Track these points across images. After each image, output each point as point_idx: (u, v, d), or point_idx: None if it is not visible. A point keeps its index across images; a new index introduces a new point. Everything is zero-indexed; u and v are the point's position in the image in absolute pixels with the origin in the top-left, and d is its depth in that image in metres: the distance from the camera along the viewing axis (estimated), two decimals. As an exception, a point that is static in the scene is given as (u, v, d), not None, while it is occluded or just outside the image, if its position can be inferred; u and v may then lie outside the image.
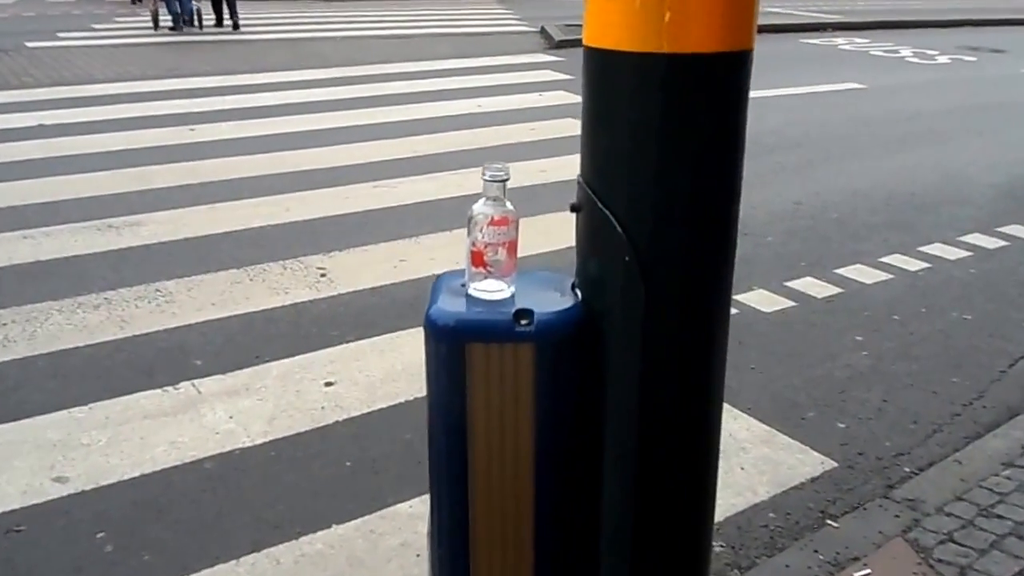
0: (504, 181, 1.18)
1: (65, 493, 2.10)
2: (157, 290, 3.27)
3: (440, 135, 5.75)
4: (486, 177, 1.17)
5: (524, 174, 4.76)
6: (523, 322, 1.13)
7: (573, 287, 1.20)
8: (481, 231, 1.17)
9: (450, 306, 1.17)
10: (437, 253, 3.66)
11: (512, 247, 1.19)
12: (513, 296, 1.19)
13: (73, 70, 8.05)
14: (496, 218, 1.17)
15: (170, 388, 2.59)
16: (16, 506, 2.05)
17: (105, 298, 3.20)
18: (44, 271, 3.44)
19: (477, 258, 1.19)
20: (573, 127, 5.93)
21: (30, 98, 6.70)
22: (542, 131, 5.86)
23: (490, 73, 8.30)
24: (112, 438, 2.33)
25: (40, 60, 8.56)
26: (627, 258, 1.06)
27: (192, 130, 5.78)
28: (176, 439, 2.33)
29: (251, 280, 3.38)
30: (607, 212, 1.07)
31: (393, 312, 3.11)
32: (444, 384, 1.17)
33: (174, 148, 5.31)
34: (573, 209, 1.16)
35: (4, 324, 2.97)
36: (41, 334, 2.91)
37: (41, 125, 5.83)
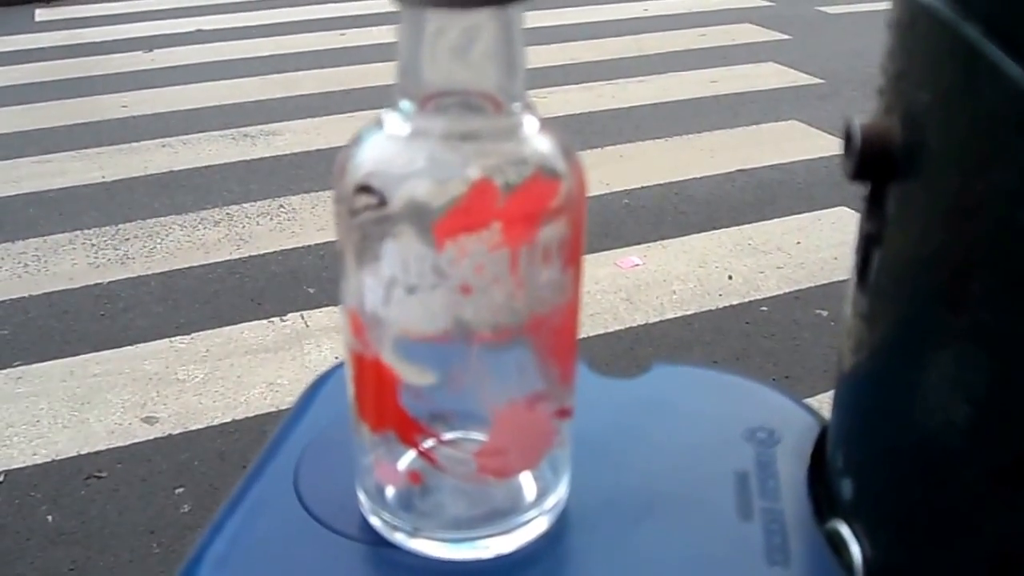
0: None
1: (152, 436, 1.91)
2: (281, 206, 3.04)
3: (599, 41, 5.17)
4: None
5: (691, 85, 4.15)
6: None
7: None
8: (412, 266, 0.31)
9: None
10: (587, 174, 3.20)
11: (563, 334, 0.33)
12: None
13: (238, -25, 8.03)
14: (471, 199, 0.30)
15: (276, 319, 2.34)
16: (102, 447, 1.88)
17: (228, 213, 3.00)
18: (175, 182, 3.31)
19: (380, 392, 0.32)
20: (749, 33, 5.18)
21: (194, 3, 6.70)
22: (713, 37, 5.14)
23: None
24: (209, 374, 2.12)
25: (209, -34, 8.61)
26: None
27: (342, 35, 5.53)
28: (275, 380, 2.09)
29: (378, 198, 3.08)
30: None
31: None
32: None
33: (322, 53, 5.09)
34: (862, 170, 0.30)
35: (127, 239, 2.85)
36: (159, 251, 2.76)
37: (199, 30, 5.78)
